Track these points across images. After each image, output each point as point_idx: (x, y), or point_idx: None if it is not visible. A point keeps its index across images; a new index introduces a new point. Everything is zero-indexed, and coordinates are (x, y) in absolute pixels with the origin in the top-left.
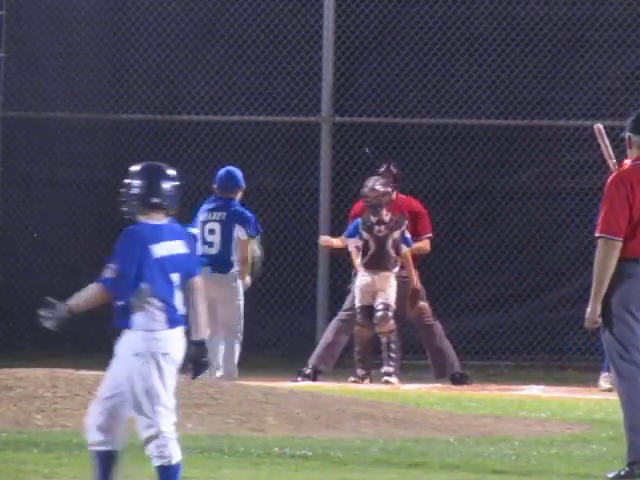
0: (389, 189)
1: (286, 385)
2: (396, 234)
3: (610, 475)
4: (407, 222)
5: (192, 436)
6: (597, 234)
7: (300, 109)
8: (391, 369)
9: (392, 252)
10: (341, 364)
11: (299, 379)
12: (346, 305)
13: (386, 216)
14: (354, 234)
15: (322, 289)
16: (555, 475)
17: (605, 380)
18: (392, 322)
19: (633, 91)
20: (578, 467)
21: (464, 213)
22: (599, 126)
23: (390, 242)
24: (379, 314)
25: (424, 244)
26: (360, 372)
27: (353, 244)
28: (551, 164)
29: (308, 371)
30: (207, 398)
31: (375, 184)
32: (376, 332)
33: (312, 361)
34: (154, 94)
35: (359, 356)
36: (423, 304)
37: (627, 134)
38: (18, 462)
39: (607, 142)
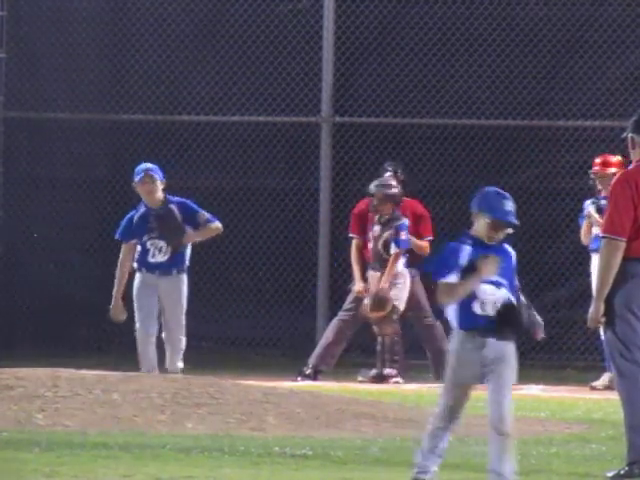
0: (395, 191)
1: (286, 385)
2: (387, 234)
3: (609, 474)
4: (401, 223)
5: (192, 436)
6: (601, 234)
7: (300, 109)
8: (394, 372)
9: (382, 251)
10: (341, 364)
11: (299, 379)
12: (346, 305)
13: (385, 216)
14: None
15: (322, 289)
16: (554, 474)
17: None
18: (396, 324)
19: (633, 91)
20: (577, 466)
21: (464, 213)
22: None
23: (381, 242)
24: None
25: (424, 245)
26: (374, 371)
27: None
28: (551, 164)
29: (308, 371)
30: (207, 398)
31: (389, 180)
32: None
33: (312, 361)
34: (154, 94)
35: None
36: (420, 305)
37: (630, 135)
38: (19, 461)
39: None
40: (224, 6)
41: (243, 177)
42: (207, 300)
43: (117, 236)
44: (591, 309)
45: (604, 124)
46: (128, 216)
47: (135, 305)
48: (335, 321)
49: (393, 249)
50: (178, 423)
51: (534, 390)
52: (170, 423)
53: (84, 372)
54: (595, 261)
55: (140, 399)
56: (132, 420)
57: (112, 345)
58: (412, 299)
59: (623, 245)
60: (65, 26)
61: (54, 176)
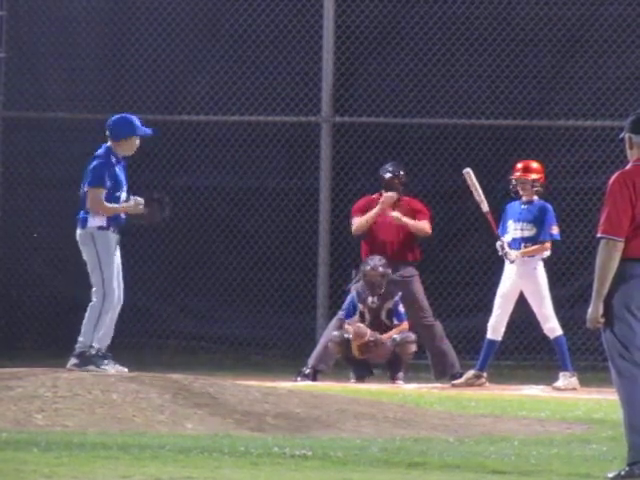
0: (389, 270)
1: (286, 385)
2: (389, 304)
3: (610, 475)
4: (398, 297)
5: (192, 436)
6: (599, 234)
7: (300, 109)
8: (401, 374)
9: (387, 322)
10: (341, 364)
11: (299, 379)
12: (346, 305)
13: (379, 288)
14: (352, 311)
15: (322, 289)
16: (555, 475)
17: (564, 378)
18: (414, 346)
19: (633, 91)
20: (578, 467)
21: (464, 213)
22: (468, 170)
23: (384, 312)
24: (398, 338)
25: (423, 224)
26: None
27: (353, 325)
28: (551, 164)
29: (308, 371)
30: (207, 398)
31: (377, 263)
32: (399, 354)
33: (312, 361)
34: (154, 94)
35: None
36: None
37: (627, 135)
38: (18, 462)
39: (477, 185)
40: (224, 6)
41: (243, 177)
42: (207, 300)
43: (98, 183)
44: (590, 309)
45: (604, 124)
46: (102, 163)
47: (107, 269)
48: (335, 321)
49: (396, 322)
50: (178, 423)
51: (534, 390)
52: (170, 423)
53: (84, 372)
54: None
55: (140, 399)
56: (131, 420)
57: (112, 345)
58: (412, 299)
59: (621, 245)
60: (65, 26)
61: (54, 176)
